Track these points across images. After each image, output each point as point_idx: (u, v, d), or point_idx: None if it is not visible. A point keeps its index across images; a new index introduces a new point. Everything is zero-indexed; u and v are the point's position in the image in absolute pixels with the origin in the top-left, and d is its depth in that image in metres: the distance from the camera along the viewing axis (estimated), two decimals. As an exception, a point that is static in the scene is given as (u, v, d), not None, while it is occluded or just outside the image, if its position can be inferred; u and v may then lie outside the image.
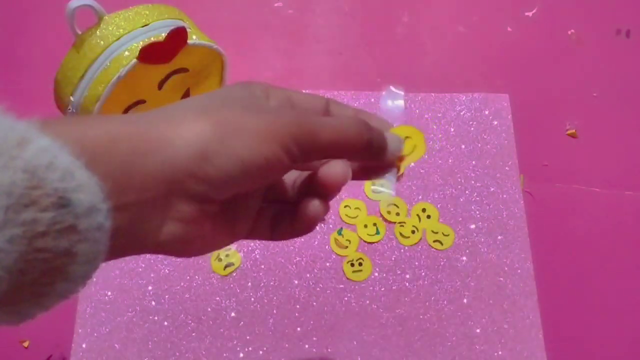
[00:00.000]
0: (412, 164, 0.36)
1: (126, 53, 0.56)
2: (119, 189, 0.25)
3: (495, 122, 0.70)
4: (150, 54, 0.55)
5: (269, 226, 0.36)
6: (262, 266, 0.63)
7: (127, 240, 0.26)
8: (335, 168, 0.33)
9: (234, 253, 0.63)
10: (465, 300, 0.61)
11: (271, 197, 0.37)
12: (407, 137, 0.37)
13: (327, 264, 0.63)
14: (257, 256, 0.63)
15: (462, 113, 0.71)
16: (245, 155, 0.28)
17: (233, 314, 0.60)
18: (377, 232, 0.64)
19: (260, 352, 0.59)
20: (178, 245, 0.30)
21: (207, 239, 0.31)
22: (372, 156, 0.34)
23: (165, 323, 0.60)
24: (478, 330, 0.60)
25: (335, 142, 0.31)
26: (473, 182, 0.67)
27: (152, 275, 0.62)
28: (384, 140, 0.34)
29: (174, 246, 0.30)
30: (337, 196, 0.67)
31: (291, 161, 0.30)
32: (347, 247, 0.64)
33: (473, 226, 0.65)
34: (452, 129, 0.70)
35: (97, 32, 0.56)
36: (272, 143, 0.29)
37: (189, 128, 0.27)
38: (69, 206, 0.23)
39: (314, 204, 0.34)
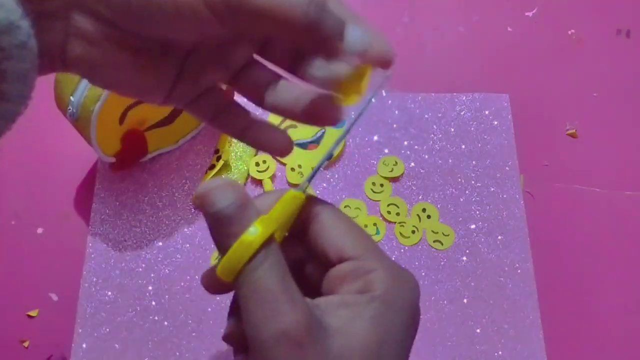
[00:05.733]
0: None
1: (126, 53, 0.55)
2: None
3: (496, 122, 0.70)
4: (150, 54, 0.55)
5: (211, 109, 0.35)
6: (262, 266, 0.63)
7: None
8: (278, 136, 0.35)
9: (234, 253, 0.63)
10: (465, 300, 0.61)
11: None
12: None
13: (327, 264, 0.63)
14: (257, 256, 0.63)
15: (462, 113, 0.71)
16: None
17: (233, 314, 0.61)
18: (377, 232, 0.64)
19: (260, 352, 0.59)
20: (85, 67, 0.31)
21: (122, 71, 0.31)
22: (321, 42, 0.29)
23: (165, 323, 0.60)
24: (478, 330, 0.60)
25: (270, 8, 0.27)
26: (473, 182, 0.67)
27: (152, 275, 0.62)
28: (339, 26, 0.29)
29: (82, 66, 0.31)
30: (337, 196, 0.67)
31: (213, 14, 0.28)
32: (347, 247, 0.64)
33: (473, 226, 0.65)
34: (452, 129, 0.70)
35: (97, 32, 0.56)
36: None
37: None
38: None
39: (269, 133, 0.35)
